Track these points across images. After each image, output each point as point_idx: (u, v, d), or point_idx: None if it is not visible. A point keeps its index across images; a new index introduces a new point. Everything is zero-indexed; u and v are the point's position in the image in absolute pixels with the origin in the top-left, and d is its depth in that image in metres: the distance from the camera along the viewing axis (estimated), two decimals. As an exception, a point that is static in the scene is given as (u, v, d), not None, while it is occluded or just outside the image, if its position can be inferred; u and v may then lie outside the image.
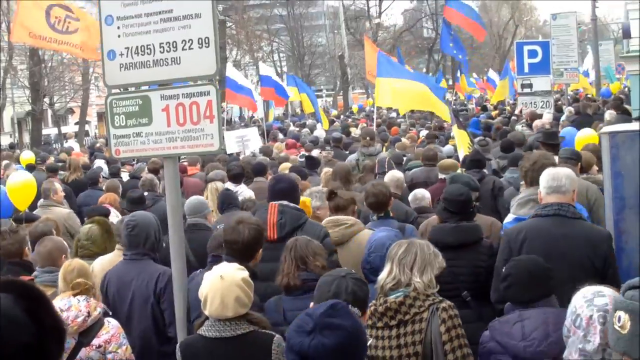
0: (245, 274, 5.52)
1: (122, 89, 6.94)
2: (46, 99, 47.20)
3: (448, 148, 18.19)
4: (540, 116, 22.93)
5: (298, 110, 53.13)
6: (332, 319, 3.78)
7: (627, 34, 22.36)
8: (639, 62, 18.79)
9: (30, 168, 19.45)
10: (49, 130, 56.46)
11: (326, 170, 13.22)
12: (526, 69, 25.57)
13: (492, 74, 54.40)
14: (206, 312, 5.42)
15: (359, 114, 48.94)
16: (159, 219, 8.00)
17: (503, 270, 5.96)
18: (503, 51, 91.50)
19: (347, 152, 19.89)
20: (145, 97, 6.59)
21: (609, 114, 22.78)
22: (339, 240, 8.01)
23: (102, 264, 8.25)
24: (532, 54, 25.63)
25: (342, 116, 46.47)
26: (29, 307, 2.48)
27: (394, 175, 11.50)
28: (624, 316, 3.73)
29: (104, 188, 14.33)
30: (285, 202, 7.68)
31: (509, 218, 8.59)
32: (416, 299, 5.62)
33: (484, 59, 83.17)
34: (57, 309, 4.69)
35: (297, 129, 32.35)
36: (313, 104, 32.57)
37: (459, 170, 12.34)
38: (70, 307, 6.06)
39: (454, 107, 30.79)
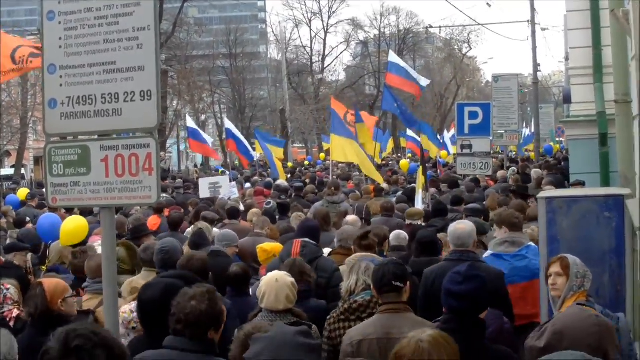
0: (292, 279, 7.42)
1: (61, 138, 6.90)
2: (-17, 141, 46.69)
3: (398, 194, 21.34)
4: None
5: (236, 162, 52.79)
6: (473, 271, 6.01)
7: (567, 99, 22.59)
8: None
9: (21, 203, 23.25)
10: (-15, 172, 55.73)
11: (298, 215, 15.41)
12: (466, 130, 25.51)
13: (447, 135, 55.03)
14: (262, 305, 7.22)
15: (310, 168, 48.99)
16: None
17: None
18: (444, 110, 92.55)
19: (305, 199, 21.99)
20: (85, 147, 6.49)
21: (535, 172, 23.42)
22: None
23: (131, 284, 9.47)
24: (473, 115, 25.54)
25: (298, 168, 46.72)
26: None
27: (355, 220, 13.80)
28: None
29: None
30: (307, 239, 9.90)
31: (488, 253, 9.70)
32: (374, 298, 7.09)
33: (425, 118, 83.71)
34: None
35: (260, 178, 33.50)
36: (268, 158, 32.84)
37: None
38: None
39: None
